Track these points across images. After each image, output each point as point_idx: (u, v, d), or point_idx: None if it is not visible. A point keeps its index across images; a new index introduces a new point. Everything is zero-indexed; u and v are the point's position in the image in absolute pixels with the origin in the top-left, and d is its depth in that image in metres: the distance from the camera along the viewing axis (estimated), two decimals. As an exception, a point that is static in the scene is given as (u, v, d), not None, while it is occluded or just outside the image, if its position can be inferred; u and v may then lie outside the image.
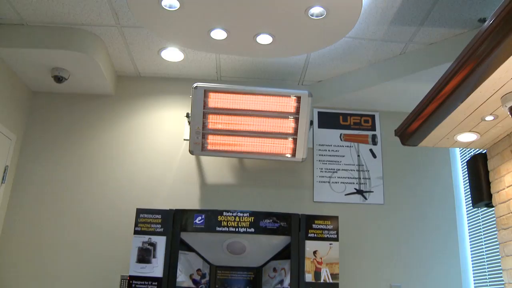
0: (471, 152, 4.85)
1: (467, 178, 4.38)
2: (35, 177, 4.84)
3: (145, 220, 4.19)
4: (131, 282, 4.04)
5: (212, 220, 4.19)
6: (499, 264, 4.12)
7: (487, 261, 4.51)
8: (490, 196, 4.03)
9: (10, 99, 4.68)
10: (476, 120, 3.56)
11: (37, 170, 4.87)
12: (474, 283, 4.71)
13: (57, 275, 4.56)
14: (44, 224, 4.70)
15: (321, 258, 4.15)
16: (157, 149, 5.03)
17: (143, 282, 4.05)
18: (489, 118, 3.52)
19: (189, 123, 4.61)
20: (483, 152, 4.23)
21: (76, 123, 5.06)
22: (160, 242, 4.14)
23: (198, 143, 4.60)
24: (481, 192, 4.07)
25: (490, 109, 3.38)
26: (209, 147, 4.65)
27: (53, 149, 4.95)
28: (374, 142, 5.23)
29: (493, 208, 4.09)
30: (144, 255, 4.09)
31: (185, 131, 5.07)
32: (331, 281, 4.13)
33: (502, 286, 4.04)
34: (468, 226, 4.92)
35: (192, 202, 4.87)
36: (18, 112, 4.85)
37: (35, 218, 4.72)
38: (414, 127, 3.84)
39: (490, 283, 4.41)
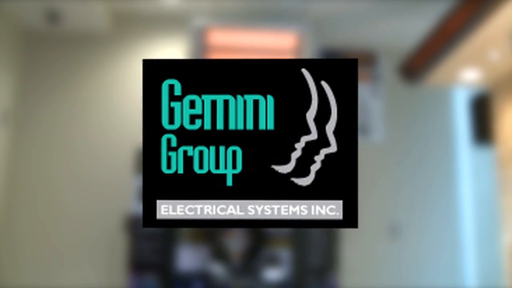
0: (473, 92, 4.80)
1: (469, 117, 4.36)
2: (34, 118, 4.81)
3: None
4: (132, 220, 4.09)
5: (213, 159, 4.19)
6: (497, 202, 4.16)
7: (485, 199, 4.55)
8: (491, 135, 4.02)
9: (4, 42, 4.58)
10: (481, 57, 3.50)
11: (36, 111, 4.83)
12: (473, 222, 4.78)
13: (61, 214, 4.62)
14: (45, 165, 4.72)
15: (321, 197, 4.19)
16: (156, 88, 4.97)
17: (145, 221, 4.09)
18: (495, 55, 3.46)
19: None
20: (486, 92, 4.19)
21: (73, 64, 4.97)
22: (161, 181, 4.16)
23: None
24: (482, 131, 4.07)
25: (496, 46, 3.32)
26: (209, 86, 4.60)
27: (51, 90, 4.89)
28: (376, 80, 5.17)
29: (494, 147, 4.10)
30: (146, 195, 4.12)
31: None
32: (331, 218, 4.17)
33: (499, 223, 4.10)
34: (468, 165, 4.94)
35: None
36: (13, 54, 4.76)
37: (38, 159, 4.73)
38: (417, 64, 3.78)
39: (488, 221, 4.47)
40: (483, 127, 4.07)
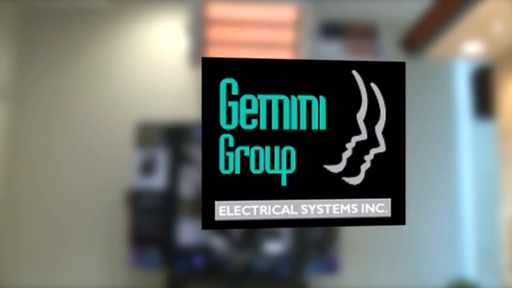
0: (475, 65, 4.76)
1: (470, 91, 4.33)
2: (33, 93, 4.79)
3: (146, 134, 4.19)
4: (133, 194, 4.10)
5: (213, 133, 4.18)
6: (498, 175, 4.16)
7: (485, 173, 4.55)
8: (492, 108, 4.01)
9: (1, 16, 4.52)
10: (483, 30, 3.47)
11: (35, 86, 4.80)
12: (473, 195, 4.79)
13: (62, 188, 4.63)
14: (45, 140, 4.71)
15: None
16: (157, 62, 4.94)
17: (145, 195, 4.11)
18: (498, 28, 3.42)
19: (188, 35, 4.50)
20: (488, 65, 4.15)
21: (72, 38, 4.90)
22: (162, 155, 4.16)
23: (198, 55, 4.51)
24: (484, 105, 4.05)
25: (499, 18, 3.28)
26: (208, 59, 4.56)
27: (50, 65, 4.85)
28: (377, 54, 5.13)
29: (495, 121, 4.08)
30: (146, 169, 4.13)
31: (184, 43, 4.95)
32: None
33: (499, 196, 4.11)
34: (468, 139, 4.93)
35: (192, 116, 4.84)
36: (11, 29, 4.70)
37: (38, 134, 4.72)
38: (419, 37, 3.75)
39: (487, 194, 4.48)
40: (484, 100, 4.05)
